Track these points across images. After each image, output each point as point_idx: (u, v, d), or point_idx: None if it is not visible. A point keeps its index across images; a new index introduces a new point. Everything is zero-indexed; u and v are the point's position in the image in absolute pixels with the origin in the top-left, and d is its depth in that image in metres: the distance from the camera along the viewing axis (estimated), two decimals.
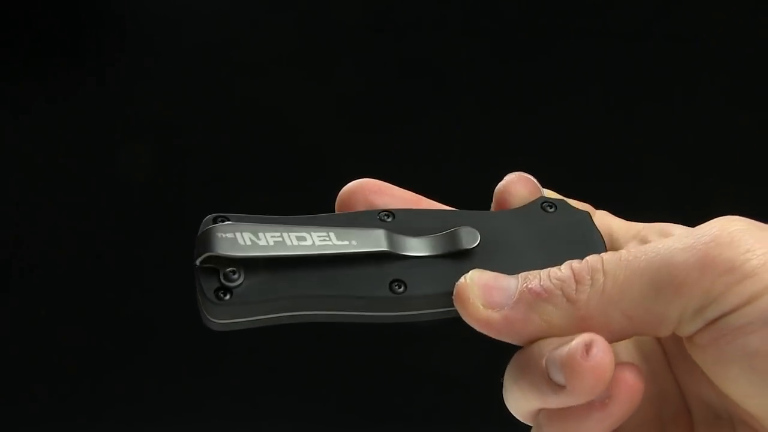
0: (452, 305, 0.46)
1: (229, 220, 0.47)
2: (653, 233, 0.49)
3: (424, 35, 1.40)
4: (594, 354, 0.43)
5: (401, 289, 0.47)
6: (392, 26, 1.41)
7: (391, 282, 0.47)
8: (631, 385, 0.44)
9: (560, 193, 0.51)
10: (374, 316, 0.47)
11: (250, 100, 1.39)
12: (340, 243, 0.46)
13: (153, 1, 1.44)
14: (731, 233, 0.43)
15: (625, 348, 0.49)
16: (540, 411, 0.46)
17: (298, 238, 0.46)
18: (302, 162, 1.37)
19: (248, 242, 0.45)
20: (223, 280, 0.46)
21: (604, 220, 0.50)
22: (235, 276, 0.46)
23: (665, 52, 1.38)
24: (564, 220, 0.49)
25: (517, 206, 0.50)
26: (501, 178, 0.52)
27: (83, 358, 1.32)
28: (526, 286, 0.45)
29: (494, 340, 0.48)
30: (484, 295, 0.45)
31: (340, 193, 0.50)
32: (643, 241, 0.49)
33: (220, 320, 0.46)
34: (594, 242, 0.49)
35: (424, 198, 0.51)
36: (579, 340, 0.43)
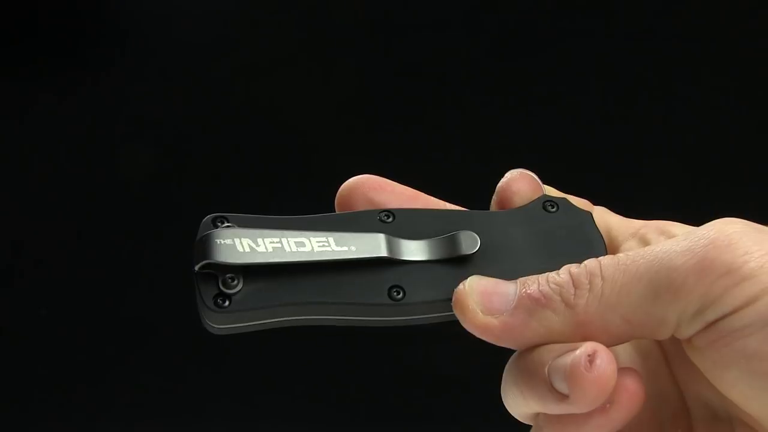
0: (451, 311, 0.46)
1: (228, 221, 0.47)
2: (652, 231, 0.48)
3: (424, 35, 1.40)
4: (597, 365, 0.43)
5: (400, 296, 0.46)
6: (392, 26, 1.41)
7: (390, 288, 0.47)
8: (632, 391, 0.44)
9: (561, 192, 0.51)
10: (373, 321, 0.47)
11: (250, 100, 1.39)
12: (339, 249, 0.46)
13: (153, 2, 1.44)
14: (729, 236, 0.43)
15: (624, 348, 0.48)
16: (539, 414, 0.46)
17: (297, 244, 0.46)
18: (302, 162, 1.37)
19: (247, 249, 0.45)
20: (221, 287, 0.45)
21: (602, 216, 0.50)
22: (234, 283, 0.45)
23: (665, 52, 1.38)
24: (565, 221, 0.49)
25: (519, 204, 0.50)
26: (501, 177, 0.52)
27: (83, 358, 1.32)
28: (525, 291, 0.45)
29: None
30: (483, 301, 0.45)
31: (339, 189, 0.50)
32: (642, 238, 0.49)
33: (219, 326, 0.46)
34: (595, 245, 0.48)
35: (421, 194, 0.51)
36: (582, 350, 0.43)
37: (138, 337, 1.33)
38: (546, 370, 0.44)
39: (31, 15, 1.42)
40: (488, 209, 0.51)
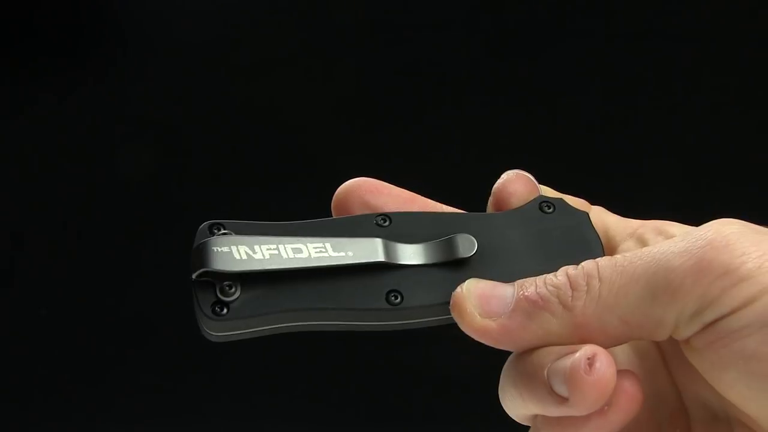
0: (450, 314, 0.46)
1: (224, 228, 0.47)
2: (650, 231, 0.48)
3: (424, 35, 1.40)
4: (597, 368, 0.43)
5: (398, 300, 0.46)
6: (392, 26, 1.41)
7: (388, 293, 0.47)
8: (631, 393, 0.44)
9: (559, 192, 0.51)
10: (372, 326, 0.47)
11: (250, 100, 1.39)
12: (336, 254, 0.46)
13: (153, 1, 1.44)
14: (726, 237, 0.43)
15: (622, 349, 0.48)
16: (538, 416, 0.46)
17: (294, 251, 0.46)
18: (302, 161, 1.37)
19: (244, 256, 0.45)
20: (219, 295, 0.45)
21: (600, 216, 0.50)
22: (232, 290, 0.45)
23: (665, 52, 1.38)
24: (562, 221, 0.49)
25: (515, 205, 0.50)
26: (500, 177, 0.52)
27: (83, 358, 1.32)
28: (522, 294, 0.45)
29: None
30: (481, 304, 0.45)
31: (336, 193, 0.50)
32: (640, 239, 0.49)
33: (217, 333, 0.46)
34: (592, 245, 0.48)
35: (418, 196, 0.51)
36: (581, 353, 0.43)
37: (138, 337, 1.33)
38: (545, 372, 0.44)
39: (31, 15, 1.42)
40: (486, 210, 0.51)
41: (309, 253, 0.46)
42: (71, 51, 1.43)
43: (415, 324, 0.47)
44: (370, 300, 0.46)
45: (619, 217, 0.50)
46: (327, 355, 1.24)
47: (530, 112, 1.36)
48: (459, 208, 0.51)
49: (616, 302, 0.44)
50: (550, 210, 0.49)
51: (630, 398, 0.44)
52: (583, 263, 0.45)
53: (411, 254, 0.47)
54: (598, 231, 0.49)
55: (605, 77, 1.38)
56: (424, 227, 0.48)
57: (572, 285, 0.44)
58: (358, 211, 0.49)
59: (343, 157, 1.35)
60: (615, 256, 0.45)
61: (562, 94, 1.38)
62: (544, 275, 0.45)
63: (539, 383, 0.44)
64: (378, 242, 0.47)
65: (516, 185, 0.50)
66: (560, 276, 0.45)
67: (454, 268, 0.47)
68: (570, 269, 0.45)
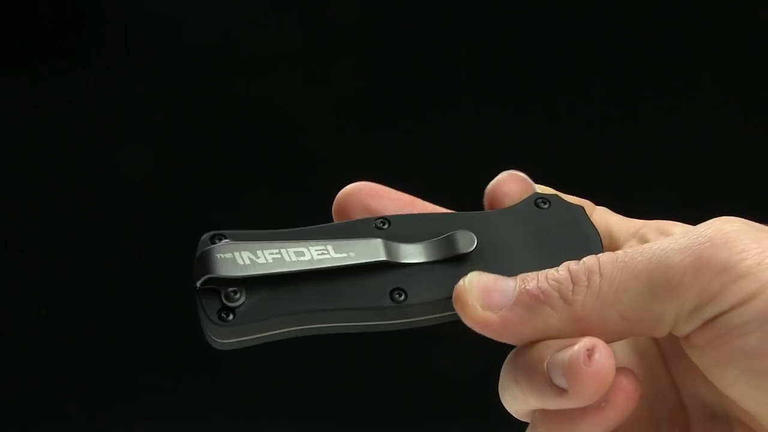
0: (453, 310, 0.47)
1: (225, 238, 0.47)
2: (652, 231, 0.49)
3: (424, 35, 1.40)
4: (596, 360, 0.43)
5: (402, 298, 0.47)
6: (392, 26, 1.41)
7: (392, 291, 0.47)
8: (628, 391, 0.44)
9: (561, 192, 0.51)
10: (377, 326, 0.47)
11: (251, 100, 1.39)
12: (338, 256, 0.46)
13: (153, 1, 1.44)
14: (726, 234, 0.43)
15: (621, 347, 0.49)
16: (536, 411, 0.46)
17: (297, 254, 0.46)
18: (302, 161, 1.37)
19: (247, 261, 0.45)
20: (224, 301, 0.45)
21: (603, 217, 0.50)
22: (237, 296, 0.45)
23: (665, 52, 1.38)
24: (559, 216, 0.50)
25: (510, 204, 0.50)
26: None
27: (83, 358, 1.32)
28: (524, 287, 0.45)
29: (494, 340, 0.48)
30: (483, 297, 0.46)
31: (336, 197, 0.50)
32: (642, 239, 0.49)
33: (224, 340, 0.46)
34: (590, 237, 0.49)
35: (418, 200, 0.51)
36: (581, 345, 0.44)
37: (138, 337, 1.33)
38: (545, 365, 0.44)
39: (31, 15, 1.42)
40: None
41: (311, 255, 0.46)
42: (72, 51, 1.43)
43: (420, 322, 0.48)
44: (374, 299, 0.46)
45: (622, 217, 0.51)
46: (327, 355, 1.24)
47: (530, 112, 1.36)
48: (458, 208, 0.51)
49: (616, 298, 0.44)
50: (546, 206, 0.50)
51: (627, 395, 0.44)
52: (584, 259, 0.45)
53: (412, 253, 0.48)
54: (601, 231, 0.49)
55: (605, 77, 1.38)
56: (422, 227, 0.49)
57: (573, 280, 0.45)
58: (359, 215, 0.50)
59: (343, 156, 1.35)
60: (616, 252, 0.45)
61: (562, 94, 1.38)
62: (546, 270, 0.45)
63: (539, 376, 0.45)
64: (379, 242, 0.47)
65: (510, 185, 0.51)
66: (562, 271, 0.45)
67: (455, 264, 0.48)
68: (571, 264, 0.45)
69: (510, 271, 0.46)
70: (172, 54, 1.41)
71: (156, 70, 1.41)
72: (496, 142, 1.34)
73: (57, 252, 1.36)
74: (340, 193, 0.50)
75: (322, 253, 0.46)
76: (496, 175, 0.52)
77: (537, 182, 0.52)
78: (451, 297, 0.46)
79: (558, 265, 0.46)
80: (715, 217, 0.45)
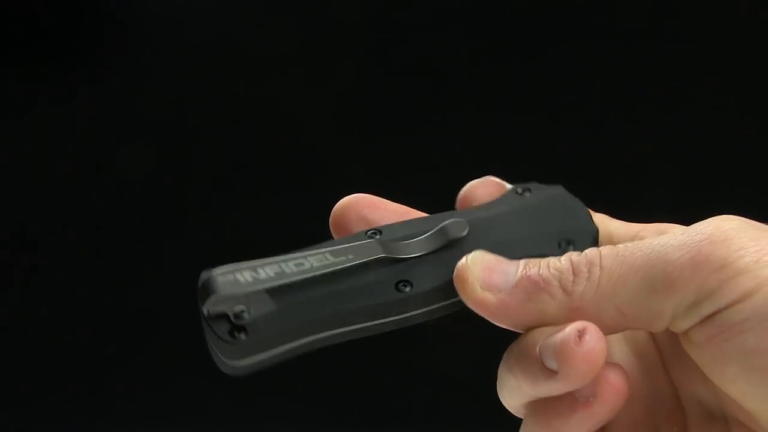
0: (458, 295, 0.47)
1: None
2: (651, 234, 0.49)
3: (424, 35, 1.40)
4: (587, 341, 0.44)
5: (408, 288, 0.47)
6: (392, 26, 1.41)
7: (397, 284, 0.47)
8: (616, 386, 0.45)
9: None
10: (388, 323, 0.47)
11: (251, 100, 1.39)
12: (337, 260, 0.46)
13: (153, 1, 1.44)
14: (725, 231, 0.44)
15: (620, 347, 0.49)
16: (528, 405, 0.47)
17: (297, 265, 0.46)
18: (302, 161, 1.37)
19: (249, 279, 0.45)
20: (233, 320, 0.45)
21: (603, 223, 0.51)
22: (245, 314, 0.45)
23: (665, 52, 1.38)
24: (541, 196, 0.51)
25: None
26: (501, 178, 0.52)
27: (83, 358, 1.32)
28: (526, 273, 0.46)
29: (493, 339, 0.49)
30: (483, 276, 0.46)
31: (334, 208, 0.50)
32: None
33: (240, 361, 0.46)
34: (576, 207, 0.50)
35: (413, 210, 0.51)
36: (572, 327, 0.44)
37: (138, 337, 1.33)
38: (537, 349, 0.45)
39: (31, 15, 1.42)
40: None
41: (311, 264, 0.46)
42: (72, 51, 1.43)
43: (430, 312, 0.48)
44: (381, 293, 0.47)
45: (621, 221, 0.51)
46: (327, 355, 1.24)
47: (530, 112, 1.36)
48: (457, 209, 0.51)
49: (614, 291, 0.44)
50: (526, 192, 0.51)
51: (615, 390, 0.45)
52: (586, 250, 0.46)
53: (409, 248, 0.48)
54: (601, 237, 0.50)
55: (606, 77, 1.38)
56: (413, 228, 0.49)
57: (574, 270, 0.45)
58: (356, 226, 0.50)
59: (343, 156, 1.35)
60: (618, 245, 0.46)
61: (563, 94, 1.38)
62: (549, 258, 0.46)
63: (531, 360, 0.45)
64: (374, 242, 0.47)
65: (483, 190, 0.51)
66: (564, 260, 0.46)
67: (452, 250, 0.48)
68: (574, 255, 0.46)
69: (505, 247, 0.47)
70: (172, 54, 1.41)
71: (156, 70, 1.41)
72: (496, 142, 1.34)
73: (57, 252, 1.36)
74: (336, 205, 0.50)
75: (321, 260, 0.46)
76: (497, 175, 0.52)
77: (537, 182, 0.52)
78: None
79: (551, 236, 0.47)
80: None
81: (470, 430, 1.22)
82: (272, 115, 1.38)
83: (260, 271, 0.46)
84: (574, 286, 0.45)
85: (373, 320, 0.47)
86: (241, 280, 0.45)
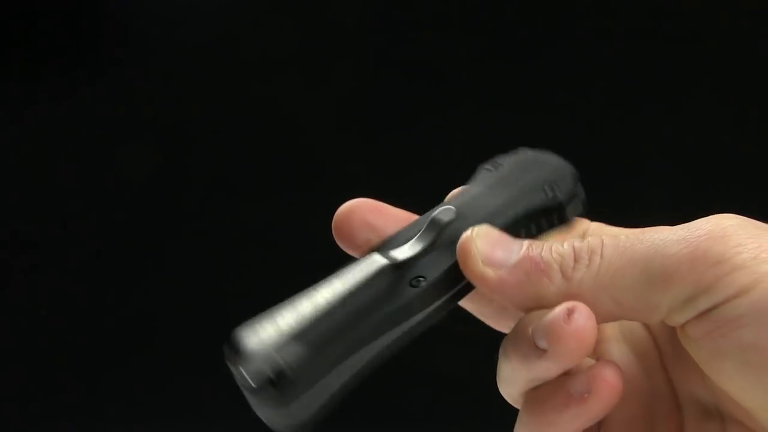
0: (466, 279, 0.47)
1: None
2: None
3: (424, 35, 1.40)
4: (575, 318, 0.44)
5: (423, 281, 0.47)
6: (392, 26, 1.41)
7: (411, 281, 0.47)
8: (610, 383, 0.45)
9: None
10: (418, 324, 0.47)
11: (251, 100, 1.39)
12: (346, 283, 0.46)
13: (153, 1, 1.44)
14: (724, 228, 0.44)
15: (619, 347, 0.49)
16: (524, 396, 0.47)
17: (310, 302, 0.46)
18: (302, 161, 1.37)
19: (273, 333, 0.45)
20: (270, 373, 0.45)
21: (600, 230, 0.51)
22: (279, 362, 0.45)
23: (665, 52, 1.38)
24: (511, 162, 0.51)
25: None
26: None
27: (83, 358, 1.32)
28: (528, 254, 0.46)
29: (493, 339, 0.49)
30: (486, 250, 0.46)
31: (336, 213, 0.50)
32: None
33: (287, 408, 0.45)
34: (546, 158, 0.51)
35: (415, 216, 0.51)
36: (562, 306, 0.45)
37: (138, 337, 1.33)
38: (530, 330, 0.45)
39: (31, 15, 1.42)
40: None
41: (323, 296, 0.46)
42: (72, 51, 1.43)
43: (451, 298, 0.47)
44: (400, 295, 0.47)
45: (618, 228, 0.51)
46: None
47: (530, 112, 1.36)
48: None
49: (611, 282, 0.45)
50: (496, 166, 0.51)
51: (610, 388, 0.45)
52: (588, 238, 0.46)
53: (409, 250, 0.48)
54: None
55: (605, 77, 1.38)
56: (407, 232, 0.49)
57: (576, 257, 0.46)
58: (361, 231, 0.50)
59: (343, 156, 1.35)
60: (619, 236, 0.46)
61: (562, 94, 1.38)
62: (552, 242, 0.46)
63: (525, 342, 0.45)
64: (376, 255, 0.48)
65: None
66: (566, 246, 0.46)
67: (448, 235, 0.48)
68: (576, 242, 0.46)
69: (498, 214, 0.48)
70: (172, 54, 1.41)
71: (156, 70, 1.41)
72: (496, 142, 1.33)
73: (57, 252, 1.36)
74: (339, 210, 0.50)
75: (332, 290, 0.46)
76: None
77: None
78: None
79: (535, 187, 0.48)
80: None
81: (470, 430, 1.22)
82: (272, 115, 1.38)
83: (279, 321, 0.45)
84: (574, 272, 0.45)
85: (402, 324, 0.47)
86: (266, 337, 0.45)
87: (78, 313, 1.33)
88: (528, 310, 0.46)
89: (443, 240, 0.48)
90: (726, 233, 0.44)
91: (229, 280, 1.32)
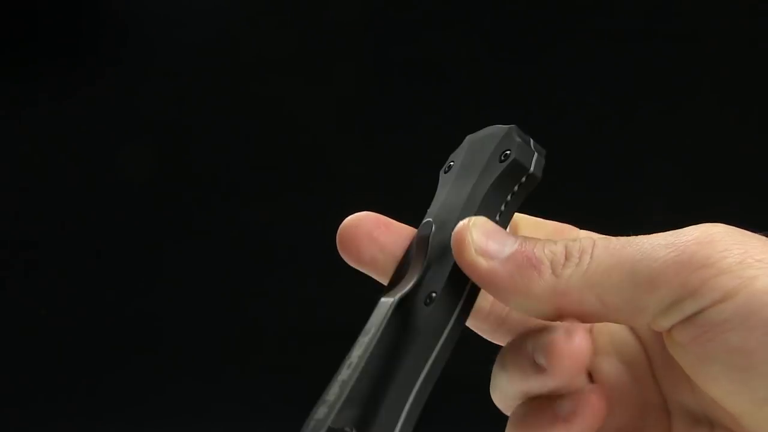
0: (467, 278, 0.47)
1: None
2: None
3: (424, 35, 1.40)
4: (574, 340, 0.45)
5: (436, 295, 0.47)
6: (392, 26, 1.41)
7: (425, 301, 0.47)
8: (597, 407, 0.46)
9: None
10: (444, 346, 0.47)
11: (251, 100, 1.40)
12: (368, 334, 0.47)
13: (153, 1, 1.44)
14: (711, 234, 0.45)
15: (608, 361, 0.50)
16: (514, 410, 0.48)
17: (347, 367, 0.47)
18: (303, 161, 1.37)
19: (326, 409, 0.46)
20: None
21: (591, 238, 0.51)
22: (347, 428, 0.46)
23: (665, 52, 1.38)
24: (462, 153, 0.52)
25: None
26: None
27: (83, 358, 1.32)
28: (521, 248, 0.46)
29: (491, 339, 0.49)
30: (480, 241, 0.47)
31: (340, 227, 0.50)
32: None
33: None
34: (489, 134, 0.52)
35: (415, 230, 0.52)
36: (563, 326, 0.45)
37: (138, 337, 1.33)
38: (529, 346, 0.46)
39: (31, 15, 1.42)
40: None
41: (355, 356, 0.47)
42: (72, 51, 1.44)
43: (465, 305, 0.48)
44: (419, 320, 0.47)
45: (609, 237, 0.52)
46: (327, 355, 1.24)
47: (530, 112, 1.36)
48: None
49: (599, 282, 0.45)
50: (450, 165, 0.52)
51: (595, 412, 0.46)
52: (581, 238, 0.47)
53: (409, 277, 0.48)
54: None
55: (605, 77, 1.38)
56: (404, 264, 0.49)
57: (567, 255, 0.46)
58: (366, 245, 0.50)
59: (343, 156, 1.35)
60: (612, 238, 0.47)
61: (562, 94, 1.38)
62: (546, 240, 0.47)
63: (524, 357, 0.46)
64: (383, 298, 0.48)
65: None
66: (559, 244, 0.47)
67: (436, 246, 0.48)
68: (570, 241, 0.47)
69: (469, 204, 0.48)
70: (172, 54, 1.41)
71: (156, 70, 1.41)
72: None
73: (57, 252, 1.36)
74: (344, 223, 0.50)
75: (359, 347, 0.47)
76: None
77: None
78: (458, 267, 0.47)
79: (491, 162, 0.49)
80: (714, 218, 0.46)
81: (470, 430, 1.22)
82: (272, 115, 1.38)
83: (327, 397, 0.46)
84: (564, 269, 0.46)
85: (435, 348, 0.47)
86: (322, 416, 0.46)
87: (78, 313, 1.33)
88: (516, 306, 0.47)
89: (434, 252, 0.48)
90: (713, 239, 0.44)
91: (229, 280, 1.32)
